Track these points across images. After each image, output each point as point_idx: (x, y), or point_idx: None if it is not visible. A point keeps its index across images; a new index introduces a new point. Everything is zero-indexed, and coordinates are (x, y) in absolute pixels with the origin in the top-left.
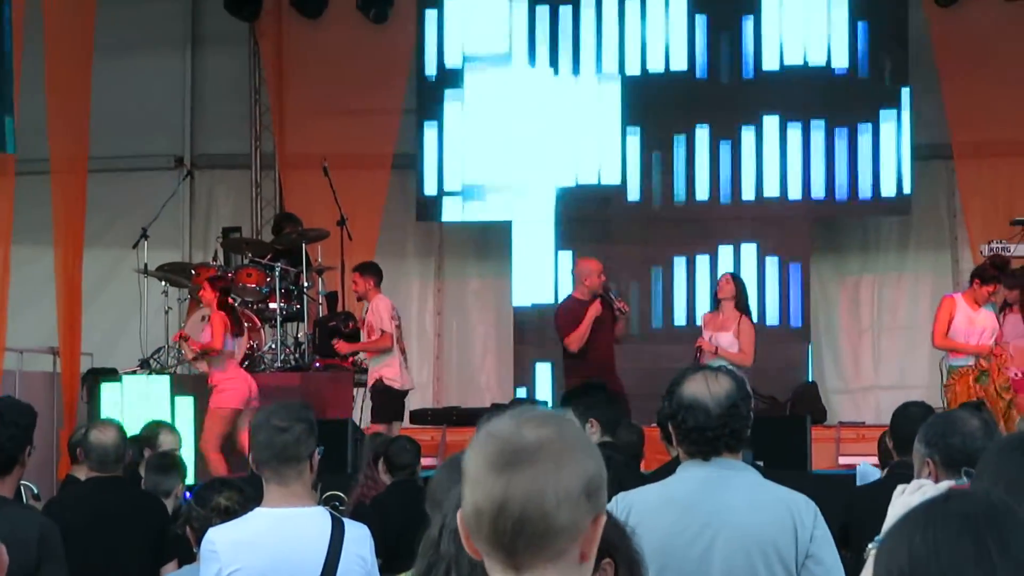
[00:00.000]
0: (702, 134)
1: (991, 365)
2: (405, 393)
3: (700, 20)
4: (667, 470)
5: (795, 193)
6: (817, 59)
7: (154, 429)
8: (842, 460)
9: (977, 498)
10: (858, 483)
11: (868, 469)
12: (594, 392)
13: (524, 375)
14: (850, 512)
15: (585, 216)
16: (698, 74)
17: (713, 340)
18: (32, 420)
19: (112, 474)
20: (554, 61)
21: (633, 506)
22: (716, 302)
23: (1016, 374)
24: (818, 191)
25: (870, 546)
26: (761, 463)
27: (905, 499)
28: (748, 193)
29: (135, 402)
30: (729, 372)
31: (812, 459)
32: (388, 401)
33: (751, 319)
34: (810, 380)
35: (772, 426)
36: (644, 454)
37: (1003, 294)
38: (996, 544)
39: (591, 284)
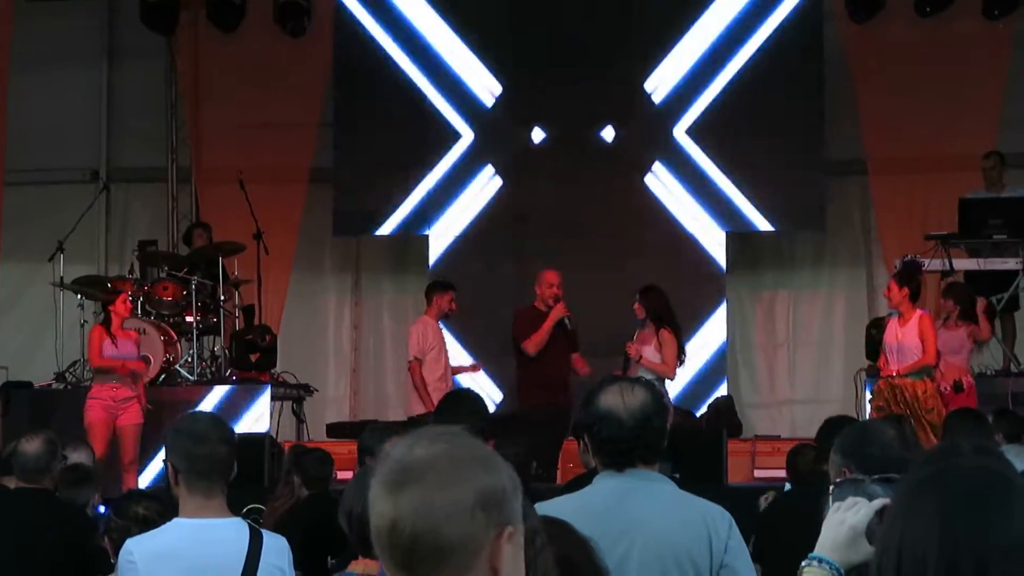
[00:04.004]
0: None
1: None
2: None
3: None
4: (579, 483)
5: (712, 208)
6: (734, 73)
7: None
8: (757, 473)
9: (990, 467)
10: None
11: None
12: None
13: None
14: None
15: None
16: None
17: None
18: None
19: (36, 485)
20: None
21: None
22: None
23: (945, 388)
24: (734, 207)
25: (803, 564)
26: (678, 475)
27: (840, 516)
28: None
29: None
30: (646, 384)
31: (728, 472)
32: None
33: (671, 329)
34: (726, 394)
35: (688, 439)
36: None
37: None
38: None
39: (541, 294)
